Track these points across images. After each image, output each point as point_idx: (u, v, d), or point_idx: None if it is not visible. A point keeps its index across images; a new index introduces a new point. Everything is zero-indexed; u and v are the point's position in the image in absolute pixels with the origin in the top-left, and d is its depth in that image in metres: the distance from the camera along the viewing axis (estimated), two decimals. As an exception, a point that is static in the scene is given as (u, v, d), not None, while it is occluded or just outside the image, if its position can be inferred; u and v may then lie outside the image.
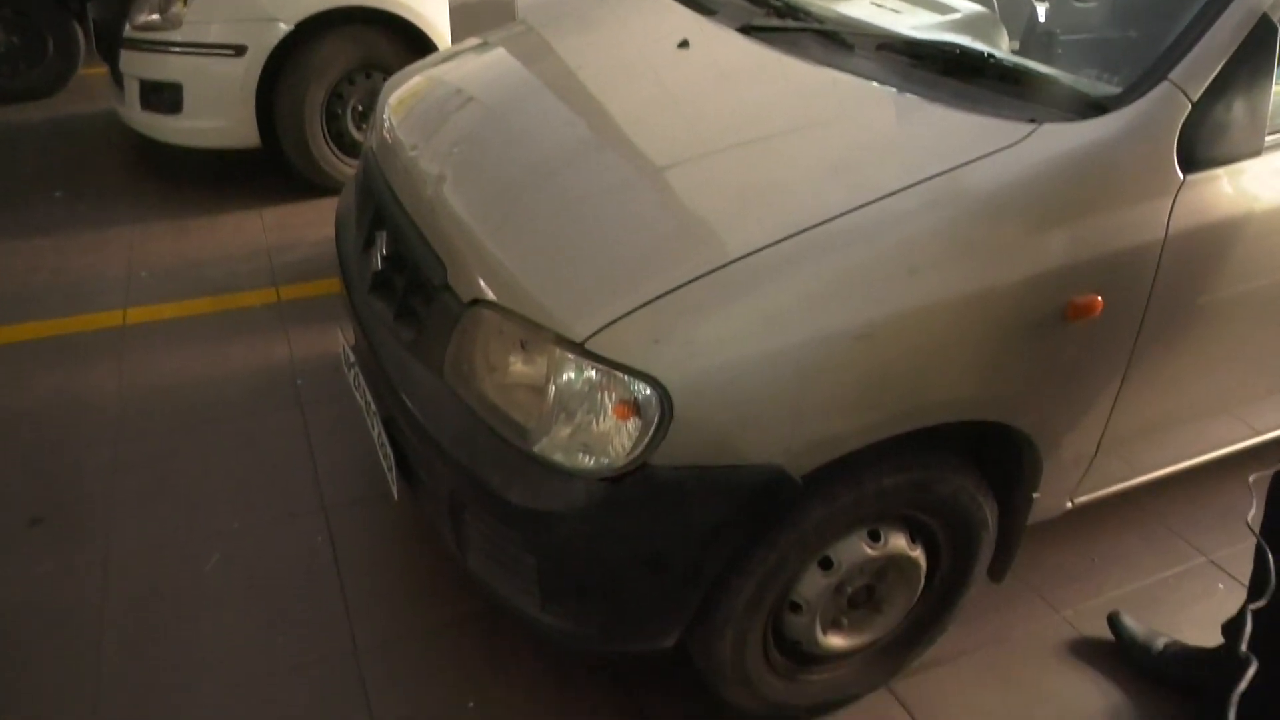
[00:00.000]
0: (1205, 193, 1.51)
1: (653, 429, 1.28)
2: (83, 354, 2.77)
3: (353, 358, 1.99)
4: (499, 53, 2.25)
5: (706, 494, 1.33)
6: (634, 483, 1.31)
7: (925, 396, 1.40)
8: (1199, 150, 1.48)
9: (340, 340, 2.11)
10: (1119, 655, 1.92)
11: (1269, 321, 1.75)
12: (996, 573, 1.78)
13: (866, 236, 1.34)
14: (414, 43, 3.80)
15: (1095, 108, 1.48)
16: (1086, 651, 1.94)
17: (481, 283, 1.47)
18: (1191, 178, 1.49)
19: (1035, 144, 1.42)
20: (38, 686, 1.78)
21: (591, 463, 1.32)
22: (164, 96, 3.61)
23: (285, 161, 3.80)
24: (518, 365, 1.42)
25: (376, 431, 1.81)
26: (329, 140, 3.85)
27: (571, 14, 2.36)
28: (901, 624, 1.74)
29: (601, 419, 1.31)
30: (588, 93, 1.87)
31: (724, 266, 1.31)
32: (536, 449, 1.36)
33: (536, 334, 1.36)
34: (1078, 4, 2.73)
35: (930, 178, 1.38)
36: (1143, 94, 1.46)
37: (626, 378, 1.27)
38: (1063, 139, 1.43)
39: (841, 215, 1.35)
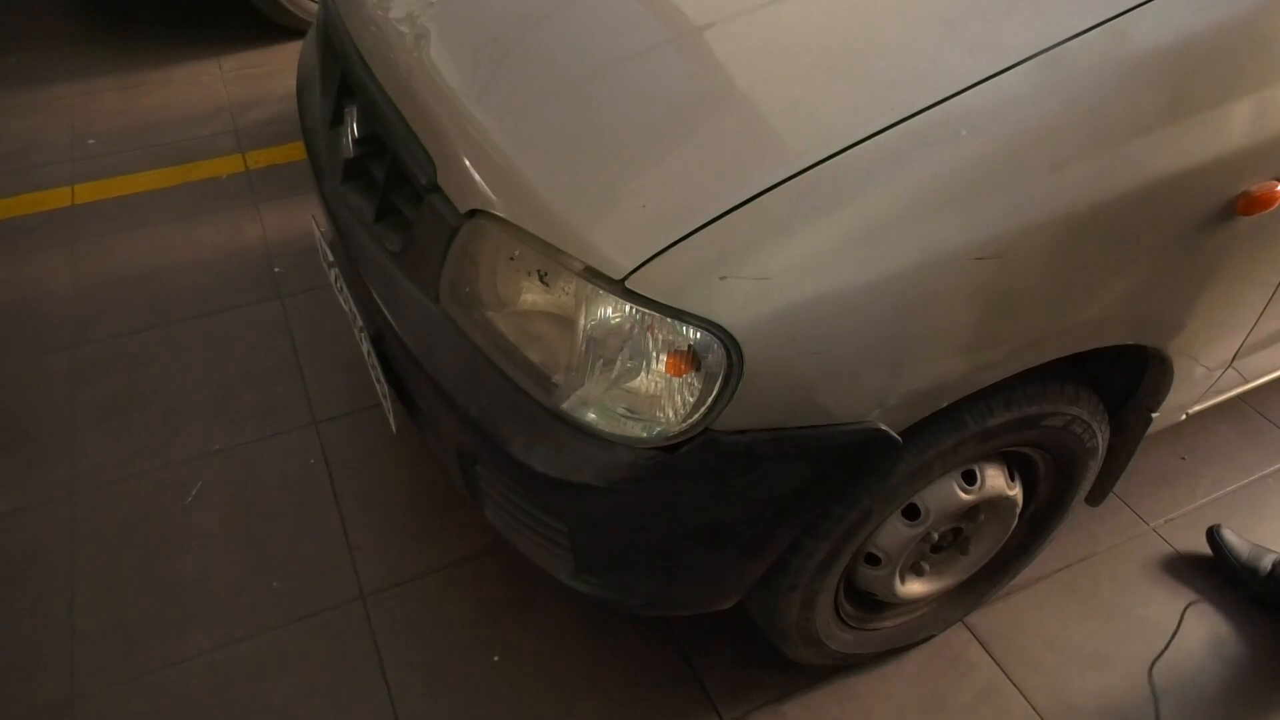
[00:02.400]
0: None
1: (716, 388, 0.98)
2: (27, 241, 2.43)
3: (331, 255, 1.67)
4: None
5: (783, 461, 1.05)
6: (692, 452, 1.02)
7: (1060, 325, 1.10)
8: None
9: (314, 230, 1.77)
10: (1220, 576, 1.71)
11: None
12: (1096, 498, 1.53)
13: (996, 121, 0.99)
14: None
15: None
16: (1181, 570, 1.73)
17: (482, 187, 1.14)
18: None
19: None
20: (9, 645, 1.57)
21: (638, 429, 1.03)
22: (92, -76, 3.08)
23: (242, 3, 3.31)
24: (535, 294, 1.11)
25: (366, 350, 1.52)
26: (291, -30, 3.34)
27: None
28: (987, 562, 1.51)
29: (649, 373, 1.02)
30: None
31: (805, 171, 0.97)
32: (565, 406, 1.07)
33: (559, 263, 1.04)
34: None
35: (1080, 33, 1.02)
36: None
37: (682, 324, 0.97)
38: None
39: (961, 92, 1.00)
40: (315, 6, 3.36)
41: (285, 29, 3.37)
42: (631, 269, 0.97)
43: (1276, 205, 1.15)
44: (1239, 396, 2.00)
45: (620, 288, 0.98)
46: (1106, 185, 1.03)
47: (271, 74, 3.18)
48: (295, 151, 2.75)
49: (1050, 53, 1.01)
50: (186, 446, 1.90)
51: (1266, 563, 1.66)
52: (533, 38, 1.29)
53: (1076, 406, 1.28)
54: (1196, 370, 1.37)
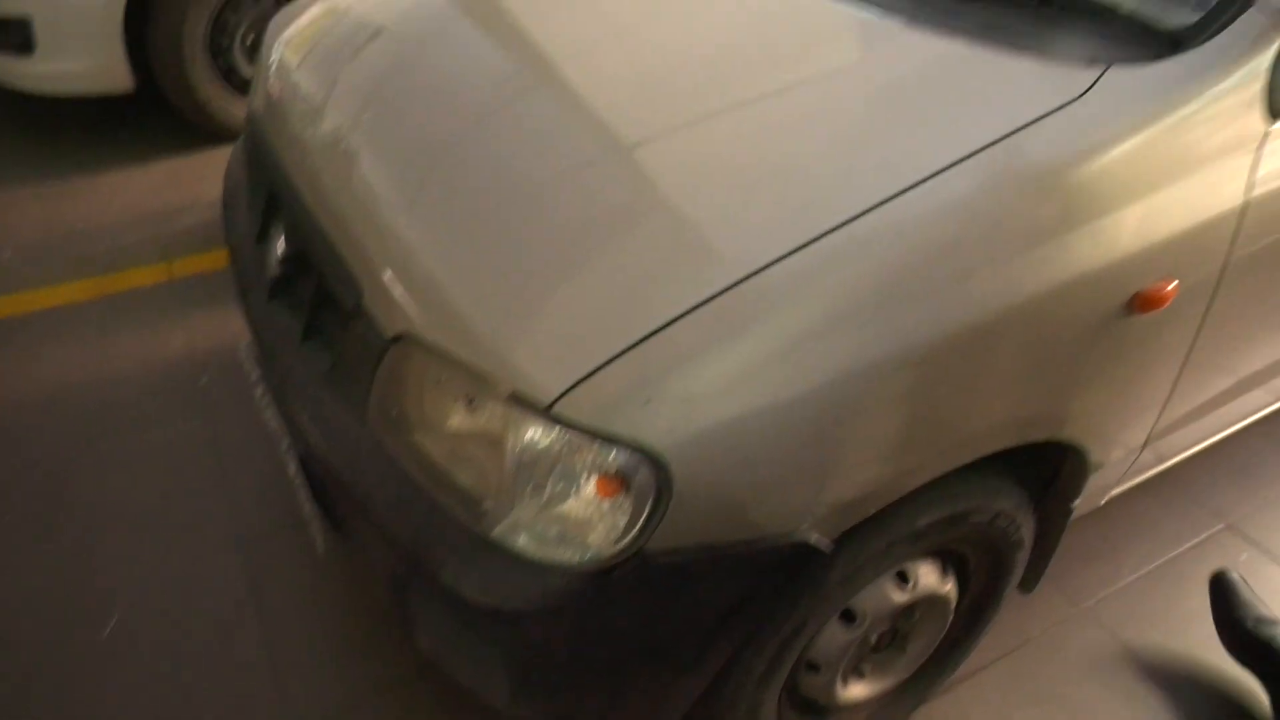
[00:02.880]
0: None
1: (647, 509, 0.98)
2: (-61, 359, 2.35)
3: (257, 372, 1.64)
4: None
5: (717, 577, 1.05)
6: (626, 574, 1.02)
7: (978, 427, 1.14)
8: (1290, 93, 1.20)
9: (241, 345, 1.75)
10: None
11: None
12: (1028, 585, 1.56)
13: (907, 236, 1.04)
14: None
15: (1167, 41, 1.18)
16: (1114, 650, 1.76)
17: (407, 310, 1.14)
18: (1276, 127, 1.21)
19: (1103, 97, 1.12)
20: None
21: (571, 554, 1.02)
22: (9, 34, 3.06)
23: (168, 106, 3.31)
24: (463, 419, 1.11)
25: (293, 469, 1.49)
26: (218, 77, 3.36)
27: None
28: (928, 658, 1.51)
29: (579, 497, 1.01)
30: (530, 39, 1.50)
31: (724, 291, 1.00)
32: (496, 532, 1.06)
33: (485, 389, 1.04)
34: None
35: (980, 150, 1.08)
36: (1225, 26, 1.17)
37: (610, 447, 0.97)
38: (1135, 87, 1.14)
39: (873, 209, 1.04)
40: (241, 111, 3.38)
41: (213, 134, 3.37)
42: (558, 394, 0.98)
43: (1168, 303, 1.21)
44: (1158, 474, 2.07)
45: (547, 413, 0.98)
46: (1010, 293, 1.07)
47: (199, 179, 3.17)
48: (223, 258, 2.72)
49: (951, 170, 1.07)
50: (104, 573, 1.82)
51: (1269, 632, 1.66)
52: (458, 157, 1.31)
53: (1001, 501, 1.31)
54: (1111, 457, 1.42)
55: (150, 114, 3.49)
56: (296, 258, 1.46)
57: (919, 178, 1.06)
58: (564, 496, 1.02)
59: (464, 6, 1.70)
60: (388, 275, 1.20)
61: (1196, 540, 1.98)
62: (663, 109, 1.26)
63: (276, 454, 2.05)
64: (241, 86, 3.39)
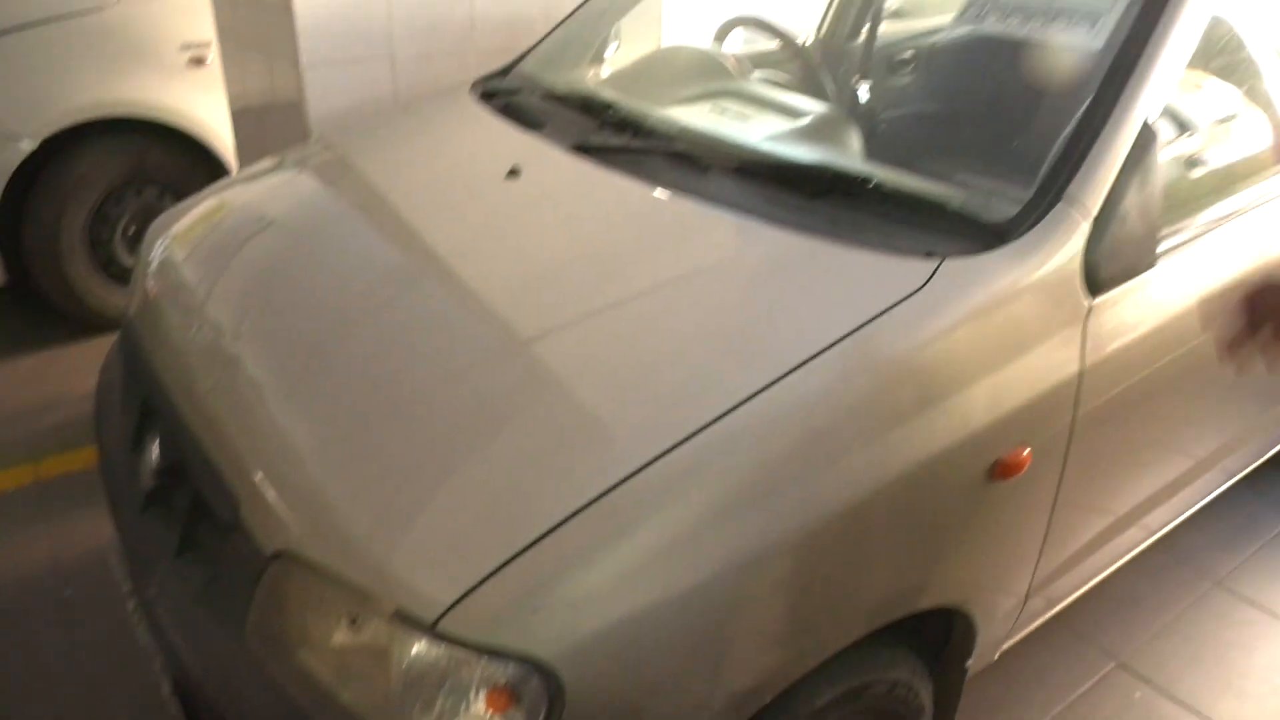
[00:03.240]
0: (1112, 314, 1.37)
1: (540, 721, 0.96)
2: None
3: (129, 586, 1.55)
4: (294, 185, 1.89)
5: (616, 783, 1.02)
6: (521, 789, 0.98)
7: (863, 602, 1.17)
8: (1102, 270, 1.34)
9: (111, 555, 1.66)
10: None
11: (1175, 429, 1.65)
12: (933, 749, 1.56)
13: (778, 427, 1.09)
14: (192, 151, 3.34)
15: (991, 232, 1.31)
16: (1028, 805, 1.75)
17: (285, 524, 1.12)
18: (1097, 301, 1.35)
19: (943, 286, 1.23)
20: None
21: (462, 774, 0.98)
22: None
23: (42, 299, 3.23)
24: (347, 637, 1.07)
25: (166, 691, 1.40)
26: (96, 269, 3.31)
27: (377, 134, 2.03)
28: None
29: (470, 713, 0.98)
30: (412, 238, 1.55)
31: (609, 492, 1.02)
32: (384, 756, 1.01)
33: (369, 607, 1.02)
34: (920, 97, 2.68)
35: (837, 341, 1.16)
36: (1041, 216, 1.31)
37: (499, 660, 0.96)
38: (970, 277, 1.25)
39: (743, 402, 1.10)
40: (118, 301, 3.32)
41: (89, 325, 3.29)
42: (443, 609, 0.96)
43: (1025, 468, 1.29)
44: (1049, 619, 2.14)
45: (433, 629, 0.96)
46: (880, 473, 1.13)
47: (70, 372, 3.07)
48: (94, 457, 2.60)
49: (813, 361, 1.14)
50: (-53, 824, 1.63)
51: None
52: (337, 360, 1.32)
53: (897, 671, 1.33)
54: (997, 614, 1.46)
55: (18, 303, 3.39)
56: (172, 468, 1.42)
57: (784, 370, 1.12)
58: (454, 712, 0.99)
59: (347, 204, 1.76)
60: (265, 486, 1.18)
61: (1091, 683, 2.03)
62: (539, 310, 1.32)
63: (149, 675, 1.92)
64: (121, 276, 3.35)
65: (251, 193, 1.92)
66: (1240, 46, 1.69)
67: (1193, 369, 1.55)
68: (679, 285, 1.31)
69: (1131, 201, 1.35)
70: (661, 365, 1.18)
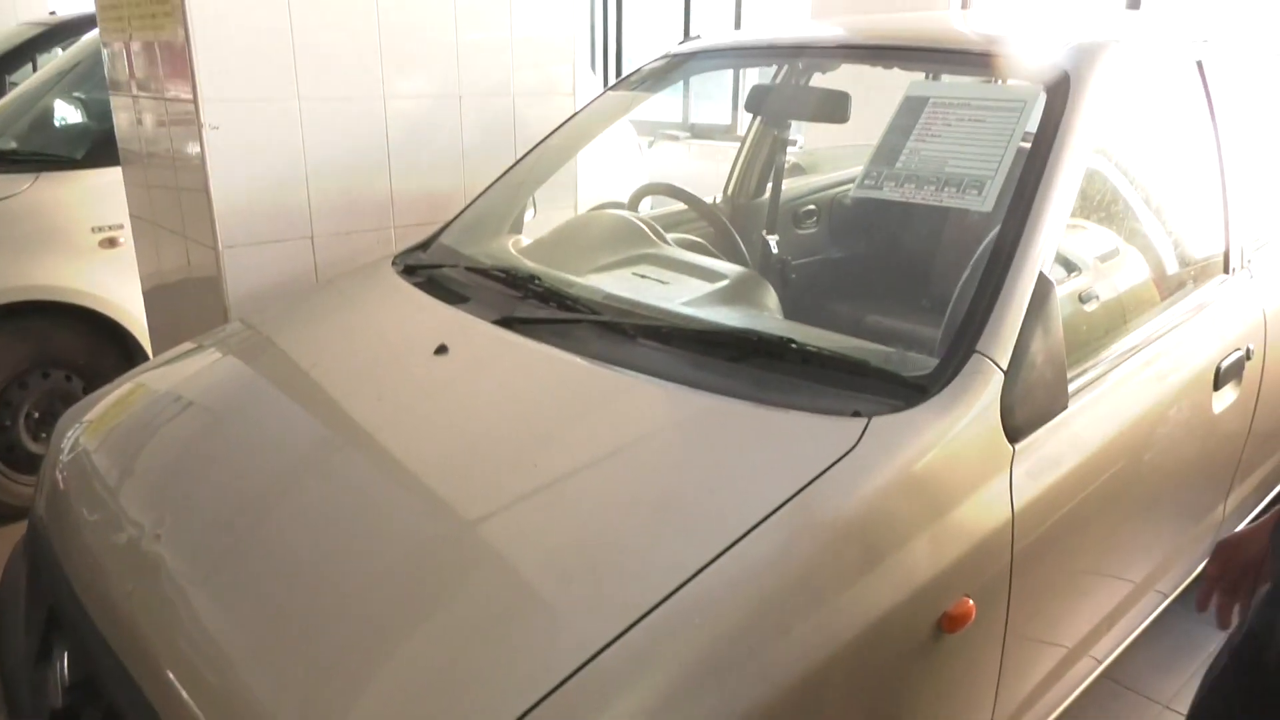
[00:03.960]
0: (1035, 457, 1.42)
1: None
2: None
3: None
4: (215, 369, 1.86)
5: None
6: None
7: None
8: (1019, 416, 1.40)
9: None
10: None
11: (1106, 556, 1.69)
12: None
13: (727, 600, 1.08)
14: (102, 331, 3.27)
15: (912, 388, 1.36)
16: None
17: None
18: (1019, 446, 1.39)
19: (874, 444, 1.26)
20: None
21: None
22: None
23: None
24: None
25: None
26: (-5, 458, 3.16)
27: (300, 313, 2.03)
28: None
29: None
30: (338, 429, 1.53)
31: (559, 687, 0.98)
32: None
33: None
34: (830, 252, 2.83)
35: (778, 507, 1.16)
36: (957, 370, 1.37)
37: None
38: (898, 433, 1.29)
39: (691, 578, 1.08)
40: (22, 490, 3.16)
41: (-14, 519, 3.10)
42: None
43: (972, 617, 1.30)
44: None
45: None
46: (832, 638, 1.12)
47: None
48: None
49: (755, 531, 1.14)
50: None
51: None
52: (261, 558, 1.27)
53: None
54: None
55: (-89, 504, 3.19)
56: (84, 683, 1.32)
57: (729, 541, 1.12)
58: None
59: (271, 387, 1.73)
60: (187, 697, 1.10)
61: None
62: (474, 489, 1.30)
63: None
64: (25, 464, 3.19)
65: (169, 378, 1.88)
66: (1115, 193, 1.84)
67: (1116, 497, 1.61)
68: (614, 458, 1.32)
69: (1038, 348, 1.43)
70: (603, 543, 1.17)
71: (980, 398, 1.34)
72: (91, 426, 1.77)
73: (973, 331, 1.39)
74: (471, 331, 1.71)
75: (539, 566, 1.15)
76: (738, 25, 5.09)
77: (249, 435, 1.57)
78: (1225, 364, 1.87)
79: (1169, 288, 1.88)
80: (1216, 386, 1.86)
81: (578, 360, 1.55)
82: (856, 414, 1.31)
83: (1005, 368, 1.38)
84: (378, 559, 1.20)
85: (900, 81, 2.00)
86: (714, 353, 1.51)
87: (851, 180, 3.17)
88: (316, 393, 1.65)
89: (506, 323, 1.70)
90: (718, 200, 2.95)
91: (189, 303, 2.52)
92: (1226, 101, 2.03)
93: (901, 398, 1.34)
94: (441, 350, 1.63)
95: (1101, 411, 1.56)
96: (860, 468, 1.23)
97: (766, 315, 1.77)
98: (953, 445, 1.30)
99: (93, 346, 3.24)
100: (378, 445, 1.45)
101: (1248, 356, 1.95)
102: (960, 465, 1.31)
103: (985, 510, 1.33)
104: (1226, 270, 2.00)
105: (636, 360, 1.52)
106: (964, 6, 3.92)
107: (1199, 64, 2.00)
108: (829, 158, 3.37)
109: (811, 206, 3.08)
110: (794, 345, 1.45)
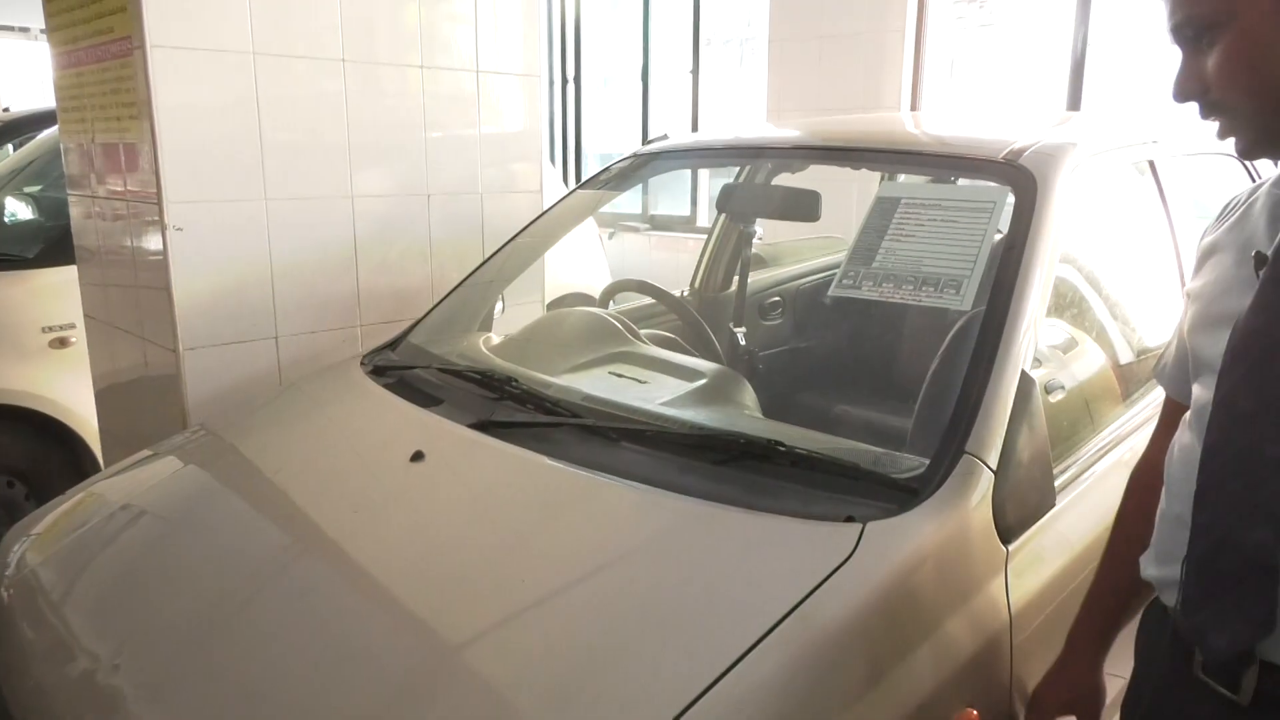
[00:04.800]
0: (1028, 557, 1.40)
1: None
2: None
3: None
4: (174, 480, 1.78)
5: None
6: None
7: None
8: (1010, 517, 1.38)
9: None
10: None
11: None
12: None
13: (731, 722, 1.03)
14: (48, 434, 3.14)
15: (904, 491, 1.34)
16: None
17: None
18: (1012, 547, 1.38)
19: (870, 552, 1.23)
20: None
21: None
22: None
23: None
24: None
25: None
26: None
27: (265, 418, 1.97)
28: None
29: None
30: (309, 543, 1.46)
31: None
32: None
33: None
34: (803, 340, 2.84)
35: (779, 622, 1.12)
36: (948, 471, 1.35)
37: None
38: (894, 539, 1.26)
39: (694, 702, 1.03)
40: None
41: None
42: None
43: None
44: None
45: None
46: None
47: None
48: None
49: (758, 648, 1.09)
50: None
51: None
52: (231, 704, 1.19)
53: None
54: None
55: None
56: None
57: (731, 660, 1.07)
58: None
59: (236, 498, 1.66)
60: None
61: None
62: (460, 610, 1.24)
63: None
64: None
65: (126, 488, 1.79)
66: (1078, 289, 1.88)
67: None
68: (605, 572, 1.27)
69: (1025, 447, 1.42)
70: (599, 666, 1.11)
71: (972, 500, 1.33)
72: (40, 541, 1.68)
73: (960, 431, 1.39)
74: (447, 436, 1.66)
75: (531, 693, 1.09)
76: (694, 120, 5.23)
77: (214, 553, 1.49)
78: (1198, 454, 1.89)
79: (1136, 380, 1.91)
80: (1191, 477, 1.87)
81: (560, 465, 1.51)
82: (850, 519, 1.29)
83: (995, 468, 1.37)
84: (359, 687, 1.13)
85: (853, 179, 2.05)
86: (700, 456, 1.48)
87: (815, 271, 3.22)
88: (286, 505, 1.58)
89: (483, 426, 1.66)
90: (685, 293, 2.97)
91: (145, 405, 2.44)
92: (1178, 199, 2.11)
93: (894, 501, 1.32)
94: (418, 457, 1.58)
95: (1087, 507, 1.56)
96: (859, 577, 1.20)
97: (747, 414, 1.75)
98: (949, 550, 1.28)
99: (37, 450, 3.12)
100: (354, 561, 1.39)
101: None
102: (957, 570, 1.29)
103: (984, 615, 1.30)
104: (1190, 361, 2.03)
105: (620, 465, 1.49)
106: (913, 107, 4.07)
107: (1151, 163, 2.08)
108: (789, 250, 3.43)
109: (776, 298, 3.11)
110: (783, 448, 1.43)
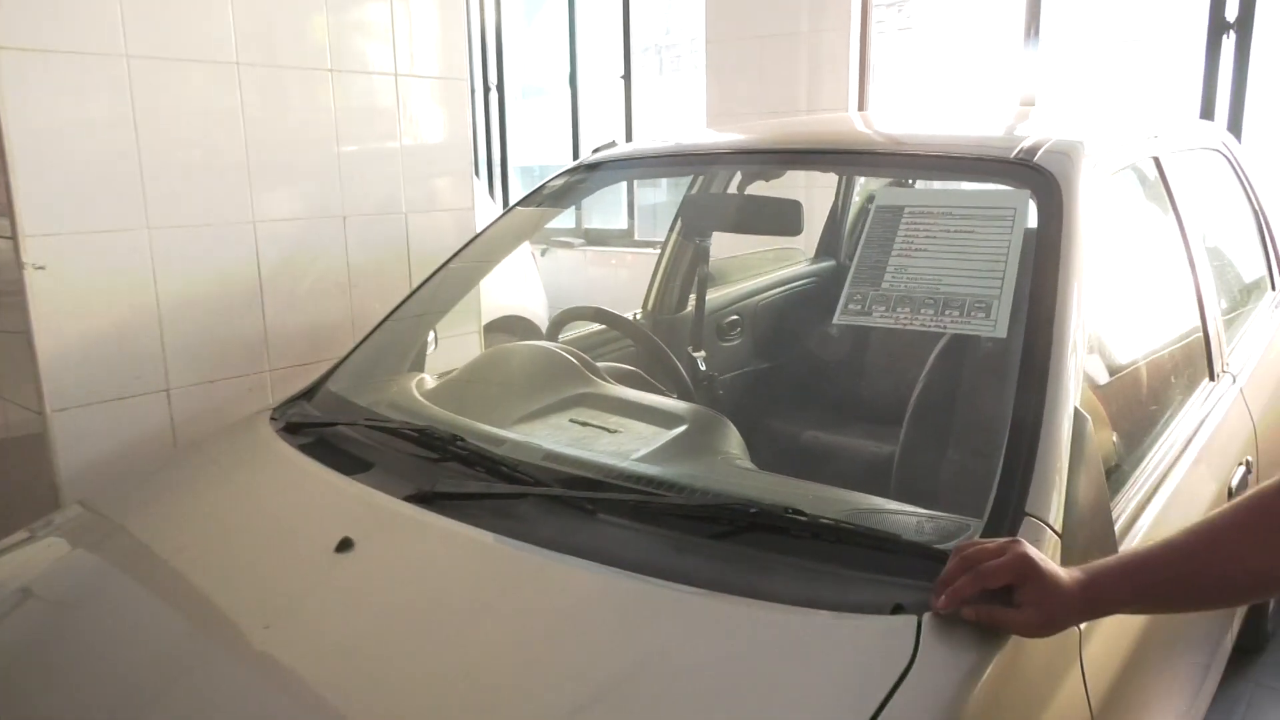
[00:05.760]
0: (1101, 640, 1.15)
1: None
2: None
3: None
4: (49, 575, 1.42)
5: None
6: None
7: None
8: (1078, 588, 1.14)
9: None
10: None
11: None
12: None
13: None
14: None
15: (957, 567, 1.09)
16: None
17: None
18: (1084, 627, 1.13)
19: (933, 654, 0.97)
20: None
21: None
22: None
23: None
24: None
25: None
26: None
27: (156, 495, 1.61)
28: None
29: None
30: (214, 679, 1.13)
31: None
32: None
33: None
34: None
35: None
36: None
37: None
38: (956, 634, 1.00)
39: None
40: None
41: None
42: None
43: None
44: None
45: None
46: None
47: None
48: None
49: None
50: None
51: None
52: None
53: None
54: None
55: None
56: None
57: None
58: None
59: (122, 602, 1.32)
60: None
61: None
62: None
63: None
64: None
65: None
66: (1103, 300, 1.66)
67: (1170, 645, 1.37)
68: (599, 705, 0.98)
69: (1084, 500, 1.18)
70: None
71: (1043, 574, 1.08)
72: None
73: (1017, 488, 1.14)
74: (380, 514, 1.35)
75: None
76: (629, 128, 4.97)
77: (94, 667, 1.15)
78: (1234, 483, 1.69)
79: (1166, 403, 1.70)
80: (1229, 508, 1.67)
81: (524, 550, 1.22)
82: (899, 608, 1.03)
83: (1060, 530, 1.12)
84: None
85: (799, 186, 1.81)
86: (697, 529, 1.21)
87: (774, 286, 2.99)
88: (183, 615, 1.25)
89: (425, 499, 1.35)
90: (638, 316, 2.70)
91: (6, 477, 2.06)
92: (1186, 198, 1.92)
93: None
94: (345, 545, 1.27)
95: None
96: (924, 691, 0.94)
97: (740, 467, 1.48)
98: (1020, 642, 1.02)
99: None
100: (267, 691, 1.07)
101: (1249, 470, 1.78)
102: (1029, 664, 1.04)
103: (1064, 716, 1.06)
104: (1212, 376, 1.84)
105: (600, 545, 1.20)
106: (860, 107, 3.88)
107: (1156, 160, 1.88)
108: (739, 265, 3.19)
109: (735, 316, 2.86)
110: (804, 517, 1.16)
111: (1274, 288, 2.54)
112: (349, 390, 1.81)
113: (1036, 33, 3.54)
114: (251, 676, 1.10)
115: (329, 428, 1.65)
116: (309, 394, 1.85)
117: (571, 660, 1.04)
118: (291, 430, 1.68)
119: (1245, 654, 2.38)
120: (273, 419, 1.75)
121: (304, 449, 1.60)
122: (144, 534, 1.48)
